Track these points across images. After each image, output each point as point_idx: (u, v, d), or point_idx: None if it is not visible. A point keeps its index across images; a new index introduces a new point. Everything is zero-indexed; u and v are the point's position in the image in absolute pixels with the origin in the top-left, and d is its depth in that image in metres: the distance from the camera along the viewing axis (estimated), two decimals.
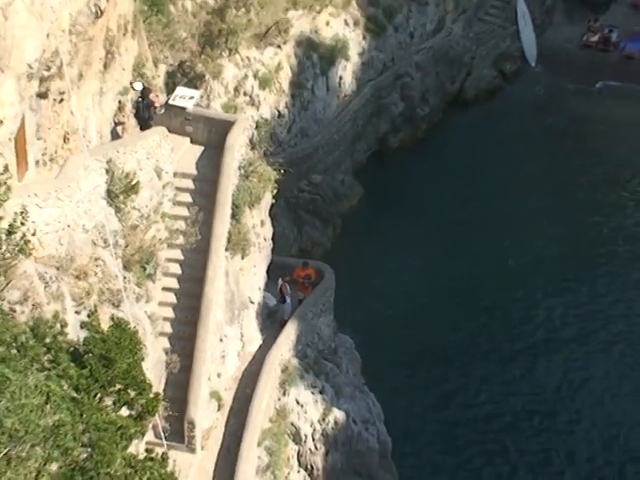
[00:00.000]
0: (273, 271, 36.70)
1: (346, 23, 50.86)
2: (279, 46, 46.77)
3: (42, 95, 26.73)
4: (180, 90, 34.75)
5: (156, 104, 33.57)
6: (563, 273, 49.37)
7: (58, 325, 19.57)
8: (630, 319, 47.73)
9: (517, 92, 59.59)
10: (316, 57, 48.99)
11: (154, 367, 29.06)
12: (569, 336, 46.82)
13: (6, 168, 20.32)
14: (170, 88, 35.82)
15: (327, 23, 49.66)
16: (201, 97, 36.31)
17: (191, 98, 34.21)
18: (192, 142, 33.95)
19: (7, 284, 20.98)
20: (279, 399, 34.67)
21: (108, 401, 20.07)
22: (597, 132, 56.77)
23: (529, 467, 42.17)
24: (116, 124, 32.30)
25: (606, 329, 47.23)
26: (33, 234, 20.93)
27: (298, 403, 35.35)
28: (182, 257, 32.17)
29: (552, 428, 43.57)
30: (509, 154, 55.01)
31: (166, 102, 33.88)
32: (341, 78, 50.87)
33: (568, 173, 54.08)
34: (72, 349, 19.86)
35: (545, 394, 44.74)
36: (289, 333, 35.94)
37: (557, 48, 61.85)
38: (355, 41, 51.37)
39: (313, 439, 35.53)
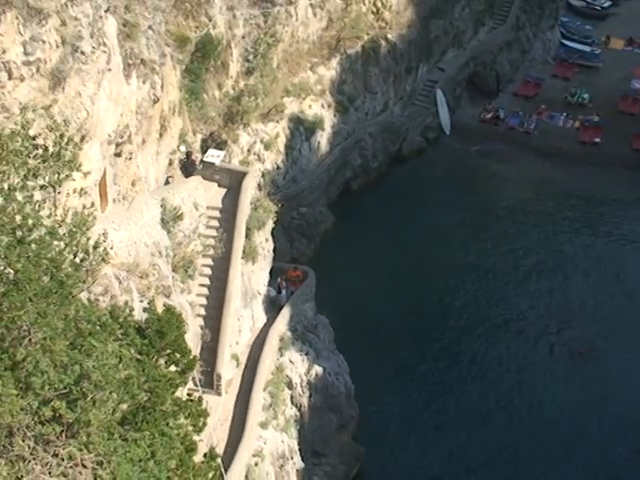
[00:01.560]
0: (274, 272, 36.62)
1: (322, 106, 50.85)
2: (277, 121, 46.73)
3: (117, 155, 26.72)
4: (211, 151, 34.72)
5: (196, 161, 33.60)
6: (474, 270, 49.45)
7: (127, 310, 19.41)
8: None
9: (437, 152, 59.57)
10: (302, 129, 48.90)
11: (193, 338, 28.93)
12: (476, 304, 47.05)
13: (92, 204, 20.20)
14: (204, 150, 35.73)
15: (309, 106, 49.65)
16: (225, 156, 36.24)
17: (218, 156, 34.18)
18: (219, 186, 33.86)
19: (93, 282, 20.86)
20: (278, 359, 34.65)
21: (161, 361, 19.95)
22: (488, 179, 57.01)
23: (467, 403, 42.05)
24: (168, 177, 32.31)
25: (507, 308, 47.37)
26: (111, 248, 20.80)
27: (291, 362, 35.29)
28: (212, 263, 32.11)
29: (480, 368, 43.74)
30: (432, 191, 55.06)
31: (201, 159, 33.84)
32: (319, 143, 50.82)
33: (467, 204, 54.12)
34: (137, 326, 19.72)
35: (469, 340, 44.76)
36: (284, 314, 35.94)
37: (464, 122, 61.89)
38: (328, 118, 51.36)
39: (301, 386, 35.46)
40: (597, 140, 60.23)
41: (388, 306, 46.39)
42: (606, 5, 74.76)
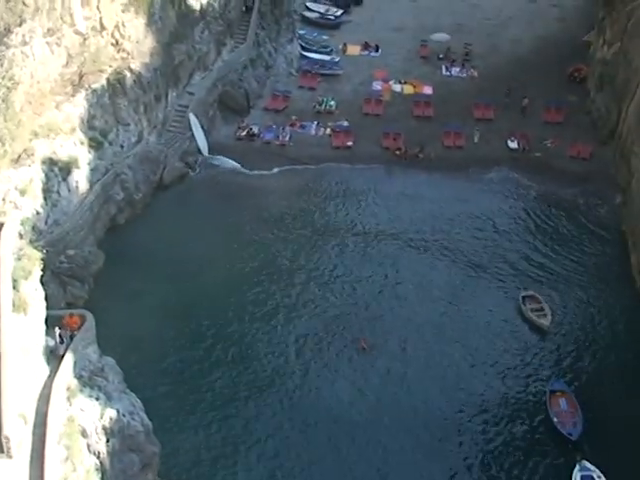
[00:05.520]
0: (49, 321, 35.21)
1: (75, 144, 49.69)
2: (29, 165, 45.15)
3: None
4: None
5: None
6: (253, 287, 49.95)
7: None
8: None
9: (198, 174, 59.84)
10: (57, 169, 47.46)
11: None
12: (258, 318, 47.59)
13: None
14: None
15: (61, 145, 48.36)
16: None
17: None
18: None
19: None
20: (67, 409, 33.54)
21: None
22: (252, 194, 57.96)
23: (269, 416, 42.61)
24: None
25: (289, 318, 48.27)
26: None
27: (81, 410, 34.29)
28: None
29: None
30: (198, 214, 55.28)
31: None
32: (77, 182, 49.59)
33: (234, 221, 55.05)
34: None
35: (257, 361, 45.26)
36: (67, 363, 34.82)
37: (221, 142, 62.46)
38: (83, 155, 50.26)
39: (96, 432, 34.54)
40: (349, 144, 62.83)
41: (172, 335, 46.24)
42: (338, 14, 78.12)
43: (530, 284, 50.51)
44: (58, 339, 35.64)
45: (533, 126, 64.01)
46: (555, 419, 41.98)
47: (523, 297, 49.19)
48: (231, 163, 60.56)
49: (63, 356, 34.85)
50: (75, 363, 35.26)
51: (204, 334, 46.68)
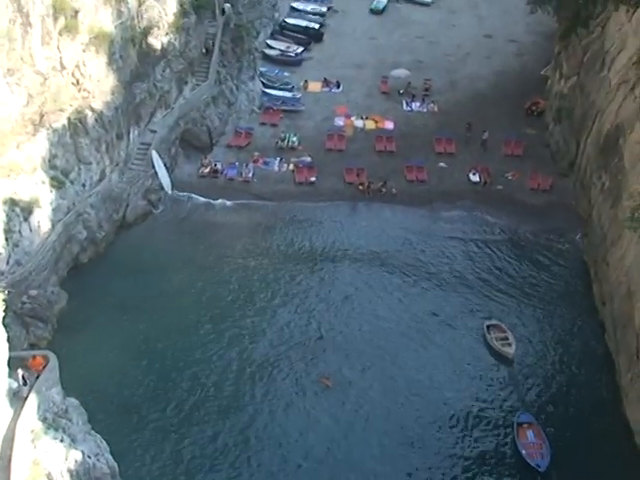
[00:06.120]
0: (13, 363, 34.79)
1: (36, 183, 49.40)
2: None
3: None
4: None
5: None
6: (211, 325, 49.84)
7: None
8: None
9: (162, 212, 59.75)
10: (18, 209, 47.21)
11: None
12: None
13: None
14: None
15: (22, 185, 48.09)
16: None
17: None
18: None
19: None
20: (32, 452, 33.10)
21: None
22: (215, 231, 58.10)
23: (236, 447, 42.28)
24: None
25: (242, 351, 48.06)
26: None
27: (46, 452, 33.86)
28: None
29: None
30: (162, 251, 55.25)
31: None
32: (39, 221, 49.30)
33: (198, 259, 54.98)
34: None
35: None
36: (31, 404, 34.42)
37: (184, 180, 62.34)
38: (45, 195, 49.97)
39: (62, 475, 34.12)
40: (313, 179, 63.14)
41: (136, 374, 45.92)
42: (299, 51, 78.78)
43: (494, 313, 50.99)
44: (21, 381, 35.25)
45: (494, 159, 64.90)
46: (523, 451, 42.18)
47: (487, 326, 49.62)
48: (196, 199, 60.68)
49: (26, 398, 34.43)
50: (39, 405, 34.85)
51: (168, 372, 46.36)
